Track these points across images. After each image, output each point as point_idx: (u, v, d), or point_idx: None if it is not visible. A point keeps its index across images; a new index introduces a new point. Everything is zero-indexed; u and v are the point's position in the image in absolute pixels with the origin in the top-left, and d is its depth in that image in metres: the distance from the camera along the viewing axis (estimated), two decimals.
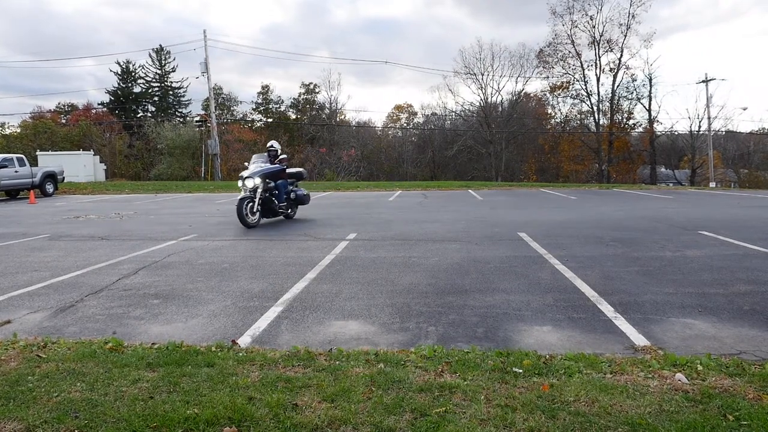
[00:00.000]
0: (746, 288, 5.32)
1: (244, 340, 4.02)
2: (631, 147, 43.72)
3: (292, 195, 11.78)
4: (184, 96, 55.24)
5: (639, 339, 3.93)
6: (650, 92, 42.15)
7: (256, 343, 3.96)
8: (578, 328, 4.21)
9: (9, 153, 25.20)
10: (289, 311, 4.77)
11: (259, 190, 10.49)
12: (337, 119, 55.00)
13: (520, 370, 3.27)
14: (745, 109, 61.33)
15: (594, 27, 41.50)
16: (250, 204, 10.35)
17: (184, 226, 10.93)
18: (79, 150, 36.04)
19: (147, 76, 53.94)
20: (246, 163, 11.38)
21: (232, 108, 54.72)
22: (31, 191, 20.37)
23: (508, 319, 4.46)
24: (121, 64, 52.02)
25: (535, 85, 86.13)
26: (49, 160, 29.42)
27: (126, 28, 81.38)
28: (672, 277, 5.83)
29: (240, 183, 10.72)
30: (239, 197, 10.49)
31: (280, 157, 11.40)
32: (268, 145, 11.73)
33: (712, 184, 34.99)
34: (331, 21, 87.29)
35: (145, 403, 2.89)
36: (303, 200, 12.07)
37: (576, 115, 45.71)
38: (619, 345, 3.84)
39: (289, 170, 11.81)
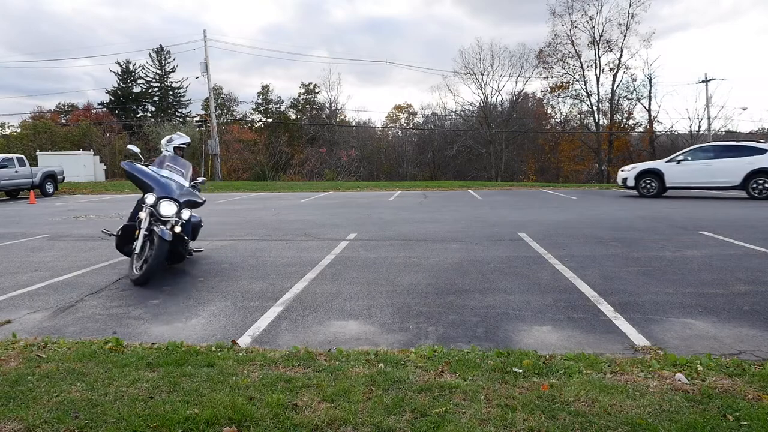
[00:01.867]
0: (746, 288, 5.32)
1: (244, 340, 4.02)
2: (631, 147, 43.73)
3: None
4: (184, 96, 55.31)
5: (639, 339, 3.93)
6: (650, 92, 42.25)
7: (256, 343, 3.96)
8: (578, 328, 4.21)
9: (9, 153, 25.20)
10: (289, 311, 4.77)
11: (176, 228, 5.95)
12: (337, 119, 55.00)
13: (520, 370, 3.27)
14: (745, 109, 61.27)
15: (594, 27, 41.56)
16: (147, 243, 5.92)
17: None
18: (79, 150, 36.03)
19: (147, 76, 54.01)
20: (132, 148, 6.55)
21: (232, 108, 54.75)
22: (31, 191, 20.37)
23: (508, 319, 4.46)
24: (121, 64, 52.10)
25: (535, 85, 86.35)
26: (49, 160, 29.42)
27: (123, 27, 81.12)
28: (672, 277, 5.84)
29: (151, 200, 5.89)
30: (138, 233, 5.94)
31: (194, 179, 6.87)
32: (181, 143, 6.86)
33: None
34: (330, 21, 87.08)
35: (145, 403, 2.89)
36: (196, 231, 7.38)
37: (576, 115, 45.83)
38: (619, 345, 3.84)
39: None
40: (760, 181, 15.09)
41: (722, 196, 16.53)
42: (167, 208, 5.93)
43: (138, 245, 5.87)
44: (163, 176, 6.32)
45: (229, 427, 2.62)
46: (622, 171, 17.71)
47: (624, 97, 42.98)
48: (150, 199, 5.92)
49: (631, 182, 16.99)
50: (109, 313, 4.81)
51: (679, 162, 16.38)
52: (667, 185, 16.50)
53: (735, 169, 15.37)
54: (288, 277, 6.06)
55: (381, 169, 48.85)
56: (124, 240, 6.42)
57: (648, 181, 16.66)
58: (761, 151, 15.17)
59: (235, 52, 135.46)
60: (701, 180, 16.06)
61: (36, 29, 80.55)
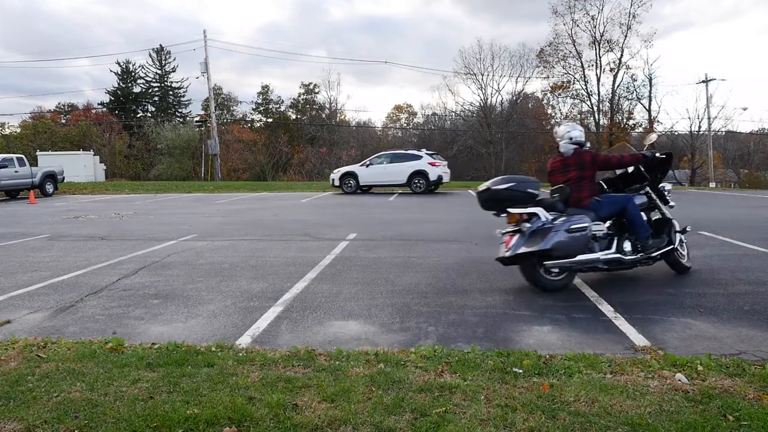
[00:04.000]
0: (746, 288, 5.32)
1: (244, 340, 4.02)
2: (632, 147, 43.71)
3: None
4: (184, 96, 55.28)
5: (639, 339, 3.93)
6: (650, 92, 42.21)
7: (256, 343, 3.95)
8: (578, 328, 4.21)
9: (9, 153, 25.19)
10: (289, 311, 4.77)
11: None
12: (337, 119, 54.99)
13: (520, 370, 3.27)
14: (745, 109, 61.17)
15: (595, 27, 41.50)
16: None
17: (184, 227, 10.93)
18: (79, 150, 36.03)
19: (147, 76, 53.97)
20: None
21: (231, 108, 54.74)
22: (31, 191, 20.36)
23: (508, 319, 4.46)
24: (121, 64, 52.04)
25: (536, 85, 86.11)
26: (49, 160, 29.39)
27: (122, 27, 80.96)
28: (672, 277, 5.83)
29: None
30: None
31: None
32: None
33: (712, 185, 35.01)
34: (329, 20, 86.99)
35: (145, 403, 2.89)
36: None
37: (576, 115, 45.71)
38: (619, 345, 3.84)
39: None
40: (416, 180, 19.96)
41: (723, 195, 16.52)
42: None
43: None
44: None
45: (229, 427, 2.61)
46: (333, 173, 21.86)
47: (624, 97, 42.99)
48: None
49: (336, 182, 20.95)
50: (109, 313, 4.81)
51: (367, 166, 20.88)
52: (361, 184, 20.64)
53: (402, 171, 20.20)
54: (288, 277, 6.06)
55: None
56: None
57: (347, 181, 20.73)
58: (418, 158, 20.32)
59: (234, 52, 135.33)
60: (382, 179, 20.59)
61: (33, 29, 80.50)
